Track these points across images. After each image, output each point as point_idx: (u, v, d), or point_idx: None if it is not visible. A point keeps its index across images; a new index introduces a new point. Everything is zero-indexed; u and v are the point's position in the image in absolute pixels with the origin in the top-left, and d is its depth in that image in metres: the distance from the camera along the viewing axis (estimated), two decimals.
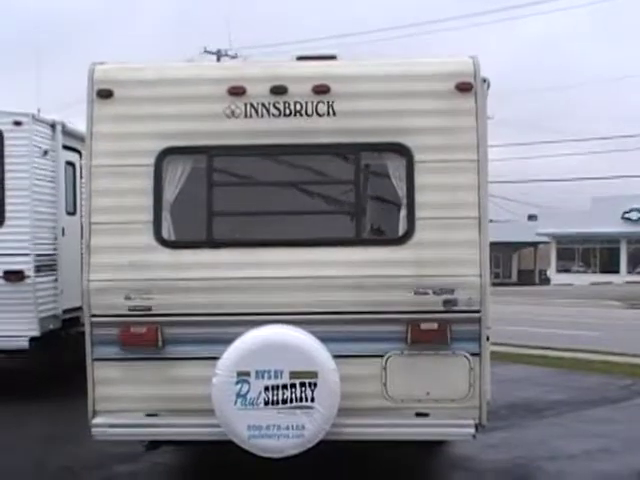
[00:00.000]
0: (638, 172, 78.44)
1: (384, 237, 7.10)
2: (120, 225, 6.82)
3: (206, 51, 45.79)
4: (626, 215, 57.61)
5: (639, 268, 59.95)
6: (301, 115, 6.84)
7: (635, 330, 22.58)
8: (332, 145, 6.87)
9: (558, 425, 10.01)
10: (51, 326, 11.49)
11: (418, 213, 6.75)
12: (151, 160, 6.85)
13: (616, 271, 59.56)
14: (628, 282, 53.89)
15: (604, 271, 60.47)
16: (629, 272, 59.45)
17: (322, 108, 6.83)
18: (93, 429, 6.78)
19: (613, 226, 57.12)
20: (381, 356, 6.70)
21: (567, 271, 62.83)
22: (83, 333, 6.95)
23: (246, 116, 6.86)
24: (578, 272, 62.31)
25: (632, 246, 59.70)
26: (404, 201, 6.81)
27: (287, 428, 6.32)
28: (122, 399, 6.79)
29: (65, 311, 11.77)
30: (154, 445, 7.27)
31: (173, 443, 7.54)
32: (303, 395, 6.32)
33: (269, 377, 6.31)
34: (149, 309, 6.74)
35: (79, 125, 11.94)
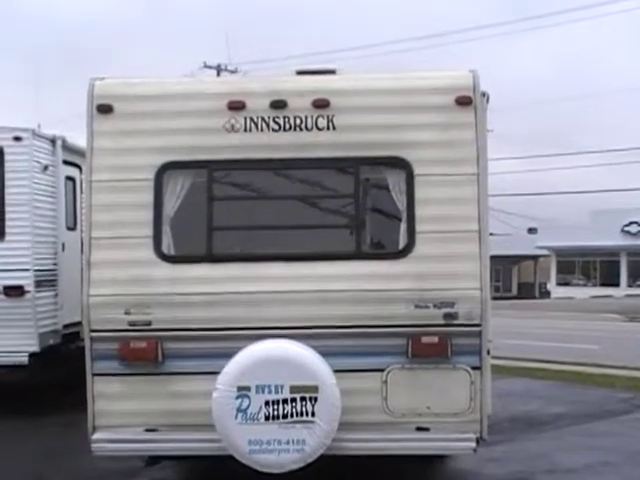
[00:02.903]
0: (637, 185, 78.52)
1: (384, 251, 7.12)
2: (120, 240, 6.83)
3: (206, 66, 45.90)
4: (626, 228, 57.59)
5: (639, 281, 59.91)
6: (301, 129, 6.86)
7: (636, 343, 22.51)
8: (332, 159, 6.88)
9: (559, 439, 9.98)
10: (51, 341, 11.46)
11: (418, 227, 6.75)
12: (151, 175, 6.86)
13: (616, 284, 59.49)
14: (628, 295, 53.82)
15: (604, 284, 60.40)
16: (629, 285, 59.39)
17: (322, 122, 6.85)
18: (93, 444, 6.77)
19: (613, 239, 57.08)
20: (382, 370, 6.70)
21: (567, 284, 62.77)
22: (83, 348, 6.94)
23: (246, 130, 6.88)
24: (578, 285, 62.28)
25: (632, 259, 59.64)
26: (404, 215, 6.82)
27: (287, 443, 6.31)
28: (122, 414, 6.78)
29: (65, 326, 11.73)
30: (154, 460, 7.26)
31: (173, 458, 7.51)
32: (304, 410, 6.31)
33: (269, 392, 6.31)
34: (149, 324, 6.74)
35: (79, 140, 12.00)
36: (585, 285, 62.48)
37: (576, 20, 73.20)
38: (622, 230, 57.63)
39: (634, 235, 57.40)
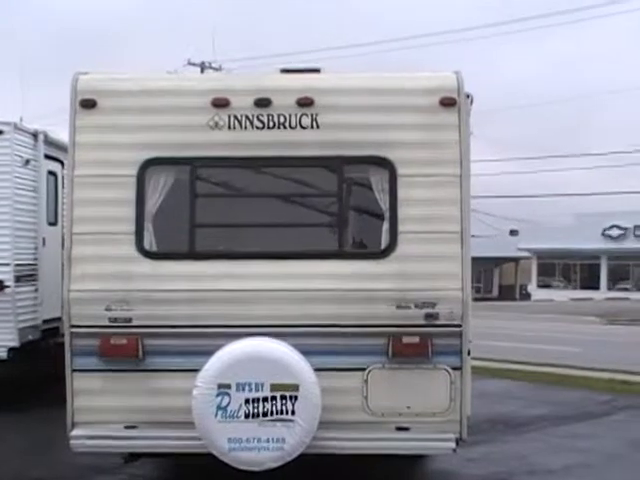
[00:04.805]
0: (619, 189, 78.94)
1: (367, 250, 7.12)
2: (102, 235, 6.79)
3: (190, 63, 45.65)
4: (607, 232, 57.90)
5: (619, 284, 60.25)
6: (285, 127, 6.85)
7: (616, 346, 22.66)
8: (315, 158, 6.87)
9: (538, 440, 10.01)
10: (30, 336, 11.40)
11: (401, 227, 6.76)
12: (134, 171, 6.83)
13: (596, 287, 59.80)
14: (608, 298, 54.13)
15: (584, 287, 60.71)
16: (609, 288, 59.72)
17: (306, 121, 6.84)
18: (72, 441, 6.74)
19: (594, 242, 57.37)
20: (362, 369, 6.70)
21: (547, 286, 63.04)
22: (62, 344, 6.91)
23: (230, 128, 6.86)
24: (558, 288, 62.54)
25: (612, 262, 59.98)
26: (387, 214, 6.82)
27: (267, 441, 6.31)
28: (101, 411, 6.75)
29: (45, 321, 11.68)
30: (133, 457, 7.22)
31: (152, 455, 7.48)
32: (284, 408, 6.31)
33: (250, 390, 6.30)
34: (130, 320, 6.71)
35: (61, 134, 11.93)
36: (565, 287, 62.76)
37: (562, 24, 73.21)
38: (603, 233, 57.93)
39: (615, 239, 57.70)
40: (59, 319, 11.50)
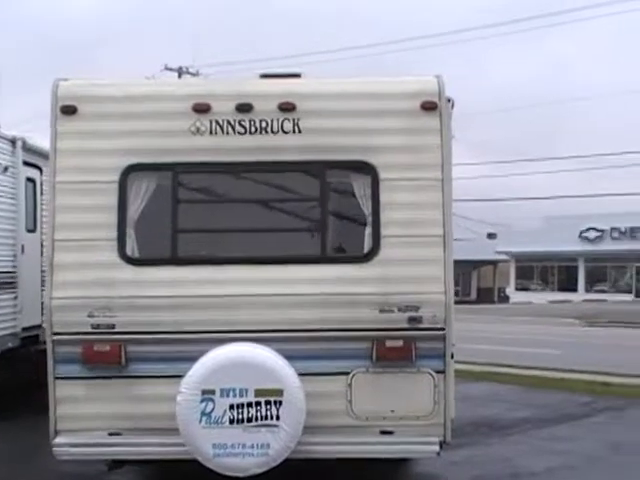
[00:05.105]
0: (598, 191, 79.47)
1: (349, 255, 7.11)
2: (83, 242, 6.76)
3: (167, 68, 45.56)
4: (584, 234, 58.24)
5: (597, 286, 60.61)
6: (267, 132, 6.85)
7: (595, 348, 22.78)
8: (298, 162, 6.88)
9: (521, 442, 10.05)
10: (10, 344, 11.31)
11: (383, 231, 6.77)
12: (115, 177, 6.81)
13: (574, 289, 60.12)
14: (586, 300, 54.45)
15: (562, 289, 61.02)
16: (587, 290, 60.07)
17: (288, 126, 6.84)
18: (55, 449, 6.71)
19: (571, 245, 57.68)
20: (346, 373, 6.70)
21: (526, 289, 63.30)
22: (43, 351, 6.86)
23: (211, 133, 6.85)
24: (536, 290, 62.82)
25: (590, 264, 60.34)
26: (369, 219, 6.83)
27: (252, 447, 6.30)
28: (85, 418, 6.71)
29: (25, 329, 11.60)
30: (117, 464, 7.18)
31: (137, 462, 7.45)
32: (268, 413, 6.30)
33: (234, 395, 6.29)
34: (112, 327, 6.68)
35: (39, 141, 11.87)
36: (543, 290, 63.05)
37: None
38: (580, 236, 58.25)
39: (592, 241, 58.05)
40: (39, 327, 11.48)
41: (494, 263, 70.92)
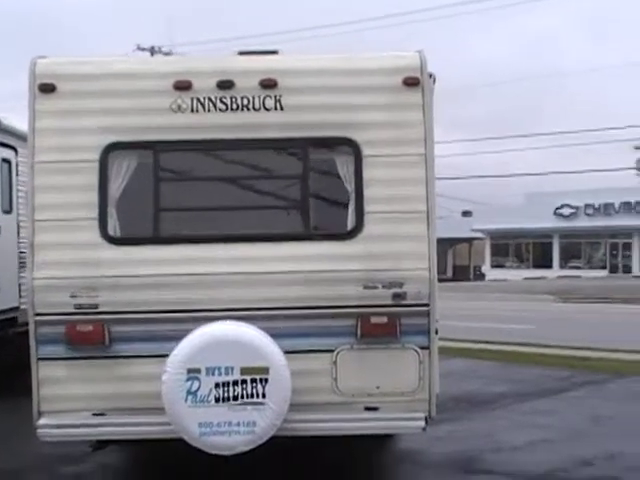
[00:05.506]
0: (571, 168, 79.89)
1: (333, 232, 7.06)
2: (64, 222, 6.69)
3: (139, 48, 45.18)
4: (558, 211, 58.62)
5: (571, 263, 61.07)
6: (248, 110, 6.80)
7: (570, 323, 23.00)
8: (280, 140, 6.83)
9: (502, 417, 10.15)
10: None
11: (367, 207, 6.75)
12: (96, 155, 6.74)
13: (549, 266, 60.58)
14: (560, 277, 54.88)
15: (537, 266, 61.46)
16: (561, 267, 60.53)
17: (269, 102, 6.80)
18: (38, 430, 6.66)
19: (546, 222, 58.05)
20: (331, 351, 6.69)
21: (501, 266, 63.67)
22: (21, 334, 6.80)
23: (193, 111, 6.79)
24: (512, 267, 63.20)
25: (564, 241, 60.77)
26: (352, 195, 6.81)
27: (238, 425, 6.28)
28: (68, 399, 6.66)
29: (1, 312, 11.51)
30: (102, 445, 7.15)
31: (121, 442, 7.41)
32: (254, 391, 6.28)
33: (220, 374, 6.26)
34: (95, 307, 6.63)
35: (14, 121, 11.74)
36: (519, 267, 63.48)
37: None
38: (555, 212, 58.64)
39: (566, 217, 58.46)
40: (17, 309, 11.41)
41: (469, 241, 71.23)
